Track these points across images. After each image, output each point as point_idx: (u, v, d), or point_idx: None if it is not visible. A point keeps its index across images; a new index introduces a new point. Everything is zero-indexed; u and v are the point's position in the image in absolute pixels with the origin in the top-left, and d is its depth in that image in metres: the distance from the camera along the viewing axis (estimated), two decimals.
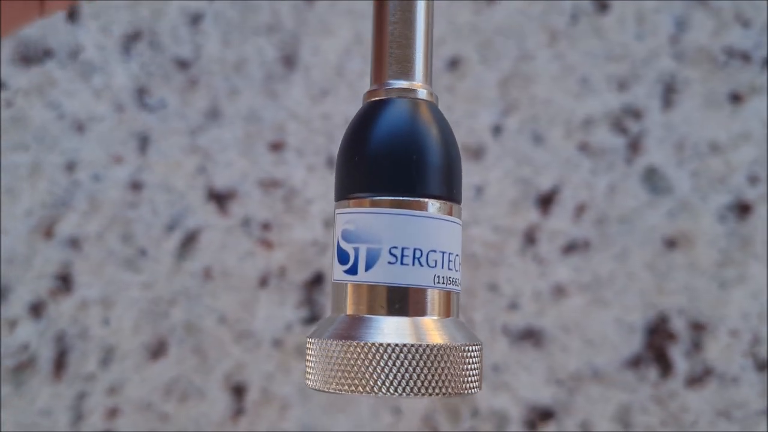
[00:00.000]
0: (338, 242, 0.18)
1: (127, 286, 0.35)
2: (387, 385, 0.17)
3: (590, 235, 0.36)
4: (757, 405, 0.35)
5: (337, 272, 0.18)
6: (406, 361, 0.17)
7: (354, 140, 0.19)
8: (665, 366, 0.35)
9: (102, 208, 0.36)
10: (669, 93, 0.37)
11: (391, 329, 0.17)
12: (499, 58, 0.37)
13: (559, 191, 0.37)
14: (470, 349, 0.18)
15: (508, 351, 0.35)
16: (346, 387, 0.17)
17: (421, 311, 0.18)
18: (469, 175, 0.36)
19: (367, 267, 0.18)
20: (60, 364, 0.35)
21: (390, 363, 0.17)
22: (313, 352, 0.18)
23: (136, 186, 0.36)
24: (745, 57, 0.38)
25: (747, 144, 0.37)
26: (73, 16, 0.37)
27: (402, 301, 0.18)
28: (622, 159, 0.37)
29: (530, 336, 0.35)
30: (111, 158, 0.36)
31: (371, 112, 0.19)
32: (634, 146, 0.37)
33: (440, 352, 0.17)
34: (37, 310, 0.35)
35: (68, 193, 0.36)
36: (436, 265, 0.18)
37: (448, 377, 0.17)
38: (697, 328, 0.36)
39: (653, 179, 0.37)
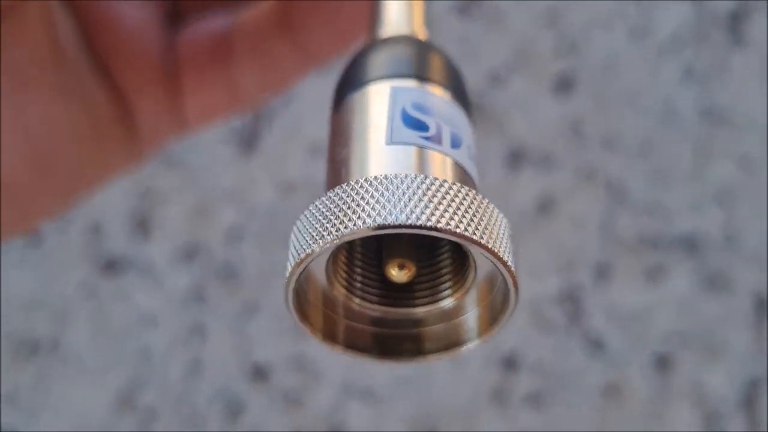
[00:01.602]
0: (405, 108, 0.15)
1: None
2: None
3: (544, 389, 0.47)
4: None
5: (402, 133, 0.15)
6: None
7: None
8: None
9: (170, 385, 0.47)
10: (600, 274, 0.49)
11: None
12: None
13: (518, 355, 0.48)
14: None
15: None
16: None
17: None
18: None
19: (453, 145, 0.15)
20: None
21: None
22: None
23: (196, 364, 0.47)
24: (657, 241, 0.49)
25: (663, 310, 0.48)
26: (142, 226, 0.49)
27: None
28: (565, 327, 0.48)
29: None
30: (176, 343, 0.47)
31: None
32: (575, 316, 0.48)
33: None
34: None
35: (144, 371, 0.47)
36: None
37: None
38: None
39: (591, 342, 0.48)
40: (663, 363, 0.47)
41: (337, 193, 0.14)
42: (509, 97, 0.52)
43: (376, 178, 0.13)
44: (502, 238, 0.14)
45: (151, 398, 0.47)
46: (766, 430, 0.46)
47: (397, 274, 0.16)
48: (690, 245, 0.49)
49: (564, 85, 0.52)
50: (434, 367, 0.47)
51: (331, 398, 0.47)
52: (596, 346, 0.48)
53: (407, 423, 0.47)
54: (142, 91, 0.22)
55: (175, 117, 0.23)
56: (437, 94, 0.16)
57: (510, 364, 0.48)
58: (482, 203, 0.14)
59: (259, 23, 0.22)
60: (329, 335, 0.17)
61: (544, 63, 0.52)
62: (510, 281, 0.15)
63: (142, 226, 0.49)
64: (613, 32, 0.53)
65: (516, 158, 0.51)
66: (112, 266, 0.49)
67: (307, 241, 0.14)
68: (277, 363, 0.47)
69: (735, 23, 0.53)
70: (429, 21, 0.19)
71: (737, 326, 0.48)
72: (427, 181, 0.13)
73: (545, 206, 0.50)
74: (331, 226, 0.13)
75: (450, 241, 0.15)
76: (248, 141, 0.51)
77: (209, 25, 0.23)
